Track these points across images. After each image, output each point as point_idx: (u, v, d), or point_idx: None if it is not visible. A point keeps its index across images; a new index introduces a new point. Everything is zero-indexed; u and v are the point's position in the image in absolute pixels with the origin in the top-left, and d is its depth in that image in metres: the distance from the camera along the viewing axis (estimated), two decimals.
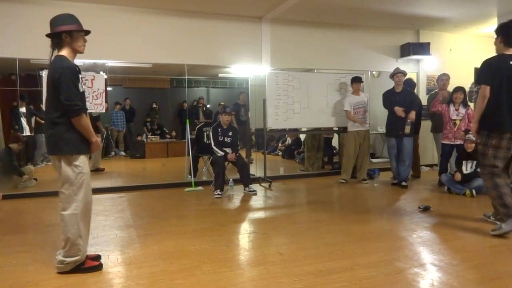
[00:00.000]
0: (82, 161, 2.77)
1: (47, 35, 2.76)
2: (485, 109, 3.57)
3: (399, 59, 7.88)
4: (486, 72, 3.59)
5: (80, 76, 2.76)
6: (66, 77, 2.62)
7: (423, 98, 7.54)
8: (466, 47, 8.35)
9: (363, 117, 6.47)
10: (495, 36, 3.67)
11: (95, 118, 7.19)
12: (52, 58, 2.76)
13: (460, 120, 5.69)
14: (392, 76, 6.17)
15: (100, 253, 3.13)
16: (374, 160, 8.47)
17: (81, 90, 2.76)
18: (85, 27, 2.82)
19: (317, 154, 7.55)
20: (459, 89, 5.84)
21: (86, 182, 2.78)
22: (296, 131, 7.85)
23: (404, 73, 6.22)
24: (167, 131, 11.32)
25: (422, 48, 7.75)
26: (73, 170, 2.72)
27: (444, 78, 6.52)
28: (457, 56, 8.23)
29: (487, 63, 3.62)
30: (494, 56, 3.66)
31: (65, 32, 2.71)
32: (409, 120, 5.92)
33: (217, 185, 5.50)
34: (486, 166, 3.61)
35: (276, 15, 6.67)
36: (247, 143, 8.61)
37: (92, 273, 2.80)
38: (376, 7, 6.50)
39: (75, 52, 2.80)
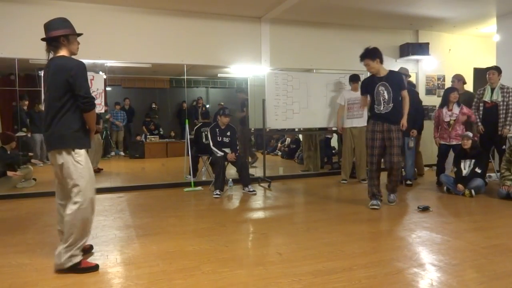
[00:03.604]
0: (84, 156, 2.84)
1: (44, 39, 2.85)
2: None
3: (398, 59, 7.89)
4: None
5: None
6: (83, 73, 2.77)
7: (422, 99, 7.54)
8: (465, 47, 8.36)
9: (358, 113, 6.46)
10: (375, 60, 4.51)
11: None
12: (52, 57, 2.84)
13: (454, 120, 5.71)
14: None
15: (99, 253, 3.15)
16: None
17: None
18: (84, 27, 2.96)
19: (314, 154, 7.55)
20: (454, 89, 5.87)
21: (89, 176, 2.84)
22: (295, 131, 7.84)
23: (407, 74, 6.22)
24: (162, 132, 11.30)
25: (421, 48, 7.76)
26: (75, 165, 2.78)
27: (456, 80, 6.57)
28: (456, 56, 8.23)
29: None
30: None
31: (63, 36, 2.81)
32: (412, 137, 5.94)
33: (217, 185, 5.50)
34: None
35: (276, 15, 6.67)
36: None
37: (91, 273, 2.79)
38: (375, 7, 6.50)
39: (71, 54, 2.91)
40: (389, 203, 4.80)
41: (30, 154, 7.01)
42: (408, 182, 6.06)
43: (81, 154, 2.82)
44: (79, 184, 2.78)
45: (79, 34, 2.94)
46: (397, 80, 4.67)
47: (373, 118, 4.69)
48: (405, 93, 4.67)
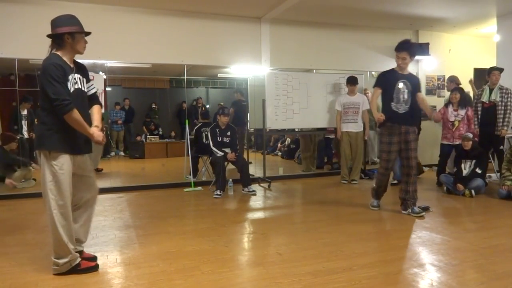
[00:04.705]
0: (61, 160, 2.67)
1: (49, 36, 2.75)
2: None
3: None
4: None
5: (74, 75, 2.75)
6: (48, 73, 2.59)
7: None
8: (465, 47, 8.36)
9: (353, 118, 6.47)
10: (411, 58, 4.33)
11: None
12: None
13: (459, 121, 5.72)
14: None
15: (99, 253, 3.14)
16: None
17: (72, 89, 2.71)
18: (84, 27, 2.82)
19: (312, 154, 7.55)
20: (455, 89, 5.90)
21: (64, 182, 2.68)
22: (295, 131, 7.84)
23: None
24: (161, 132, 11.29)
25: (421, 49, 7.75)
26: (50, 169, 2.66)
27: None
28: (456, 56, 8.23)
29: None
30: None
31: (67, 33, 2.70)
32: None
33: (218, 185, 5.50)
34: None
35: (276, 15, 6.67)
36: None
37: (91, 273, 2.79)
38: (376, 7, 6.50)
39: (75, 52, 2.79)
40: (414, 214, 4.29)
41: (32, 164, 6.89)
42: None
43: (58, 158, 2.65)
44: (51, 189, 2.66)
45: (87, 33, 2.81)
46: (416, 82, 4.47)
47: (389, 119, 4.30)
48: (421, 94, 4.53)
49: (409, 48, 4.27)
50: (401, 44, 4.31)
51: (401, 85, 4.30)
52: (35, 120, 7.69)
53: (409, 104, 4.30)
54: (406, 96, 4.29)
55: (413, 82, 4.40)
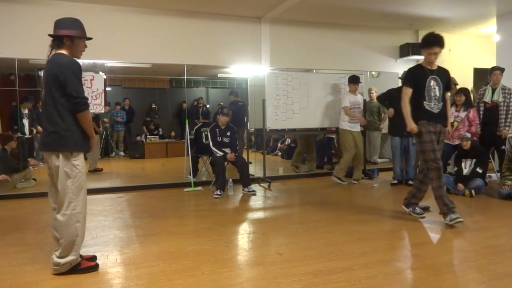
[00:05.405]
0: (81, 160, 2.80)
1: (50, 35, 2.80)
2: None
3: (398, 59, 7.88)
4: None
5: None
6: (73, 71, 2.69)
7: None
8: (465, 47, 8.36)
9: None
10: (441, 49, 4.11)
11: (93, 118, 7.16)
12: (51, 55, 2.79)
13: (458, 122, 5.71)
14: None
15: (99, 253, 3.14)
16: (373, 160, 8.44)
17: None
18: (85, 27, 2.85)
19: (311, 155, 7.53)
20: (460, 91, 5.89)
21: (84, 180, 2.82)
22: (295, 131, 7.85)
23: None
24: (161, 132, 11.29)
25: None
26: (72, 169, 2.73)
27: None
28: (456, 56, 8.23)
29: None
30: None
31: (67, 36, 2.77)
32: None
33: (218, 185, 5.50)
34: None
35: (276, 15, 6.67)
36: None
37: (90, 273, 2.79)
38: (376, 7, 6.50)
39: (73, 56, 2.84)
40: (415, 214, 4.24)
41: (31, 161, 6.88)
42: (410, 182, 6.06)
43: (78, 158, 2.77)
44: (72, 189, 2.71)
45: (88, 38, 2.87)
46: (447, 77, 4.20)
47: (424, 117, 4.00)
48: (448, 96, 4.26)
49: (441, 42, 3.98)
50: (432, 39, 4.04)
51: (431, 82, 4.05)
52: (37, 120, 7.72)
53: (442, 102, 4.07)
54: (438, 93, 4.04)
55: (444, 78, 4.15)
